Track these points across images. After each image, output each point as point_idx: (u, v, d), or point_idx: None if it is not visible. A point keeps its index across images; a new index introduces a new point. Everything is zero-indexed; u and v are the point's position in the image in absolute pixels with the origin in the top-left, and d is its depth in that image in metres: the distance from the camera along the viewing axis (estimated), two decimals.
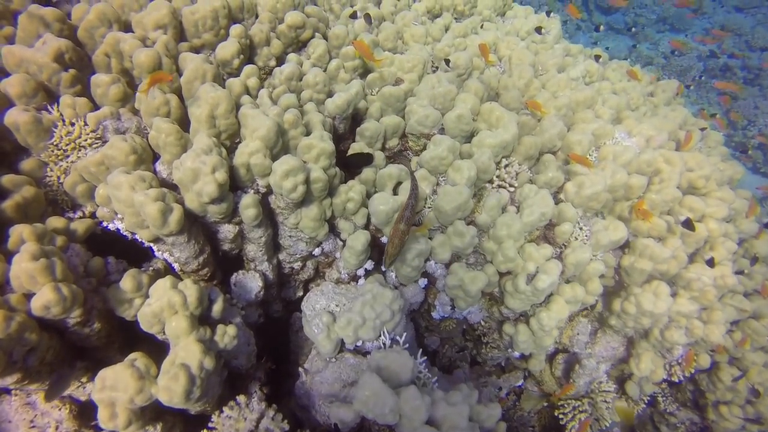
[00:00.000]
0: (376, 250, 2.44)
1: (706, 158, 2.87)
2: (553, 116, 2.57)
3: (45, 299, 1.50)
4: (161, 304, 1.61)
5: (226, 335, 1.77)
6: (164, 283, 1.64)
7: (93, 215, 2.00)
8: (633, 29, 9.37)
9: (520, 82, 2.74)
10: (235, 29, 2.28)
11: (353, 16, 2.98)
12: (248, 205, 1.93)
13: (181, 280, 1.96)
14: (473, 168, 2.28)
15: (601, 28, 7.02)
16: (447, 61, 2.71)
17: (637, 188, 2.55)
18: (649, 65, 9.81)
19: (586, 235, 2.44)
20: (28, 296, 1.55)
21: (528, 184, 2.41)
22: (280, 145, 1.98)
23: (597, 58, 3.28)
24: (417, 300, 2.44)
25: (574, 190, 2.43)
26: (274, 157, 1.98)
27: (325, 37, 2.80)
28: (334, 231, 2.33)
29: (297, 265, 2.37)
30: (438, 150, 2.30)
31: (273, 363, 2.66)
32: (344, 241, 2.31)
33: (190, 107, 1.96)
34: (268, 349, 2.42)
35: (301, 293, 2.55)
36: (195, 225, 1.90)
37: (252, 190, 2.01)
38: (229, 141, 2.01)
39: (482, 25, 3.48)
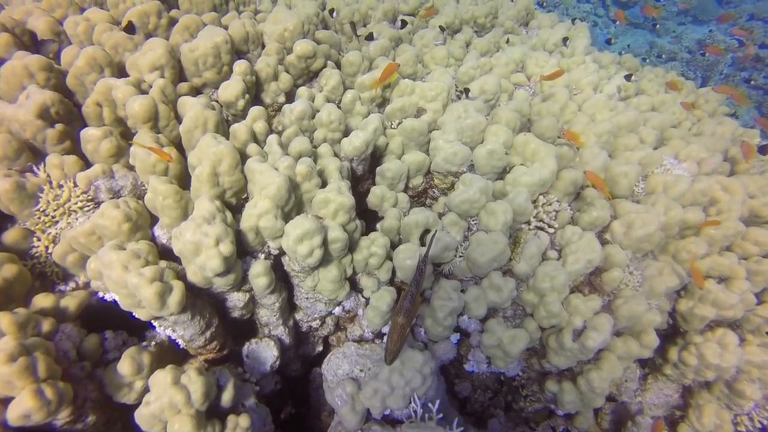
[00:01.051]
0: None
1: (767, 180, 2.54)
2: (594, 146, 2.28)
3: (23, 407, 1.28)
4: (161, 404, 1.38)
5: (238, 428, 1.52)
6: (165, 379, 1.40)
7: (87, 285, 1.77)
8: (657, 26, 8.91)
9: (554, 107, 2.45)
10: (239, 66, 2.03)
11: (369, 38, 2.71)
12: (259, 274, 1.68)
13: (187, 360, 1.72)
14: (509, 211, 2.01)
15: (612, 40, 6.63)
16: (466, 91, 2.44)
17: (694, 223, 2.24)
18: (672, 60, 9.36)
19: (637, 281, 2.15)
20: (6, 401, 1.33)
21: (570, 226, 2.12)
22: (292, 202, 1.73)
23: (628, 77, 2.96)
24: (449, 357, 2.18)
25: (622, 231, 2.14)
26: (287, 216, 1.73)
27: (338, 64, 2.54)
28: (355, 287, 2.08)
29: (315, 324, 2.12)
30: (469, 193, 2.03)
31: (292, 408, 2.43)
32: (367, 299, 2.05)
33: (190, 159, 1.72)
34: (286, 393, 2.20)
35: (320, 348, 2.31)
36: (200, 298, 1.66)
37: (263, 255, 1.77)
38: (236, 198, 1.76)
39: (507, 39, 3.18)
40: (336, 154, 2.16)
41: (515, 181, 2.12)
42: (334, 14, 2.97)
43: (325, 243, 1.73)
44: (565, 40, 3.39)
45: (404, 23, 2.89)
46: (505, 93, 2.63)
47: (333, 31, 3.02)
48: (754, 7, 9.93)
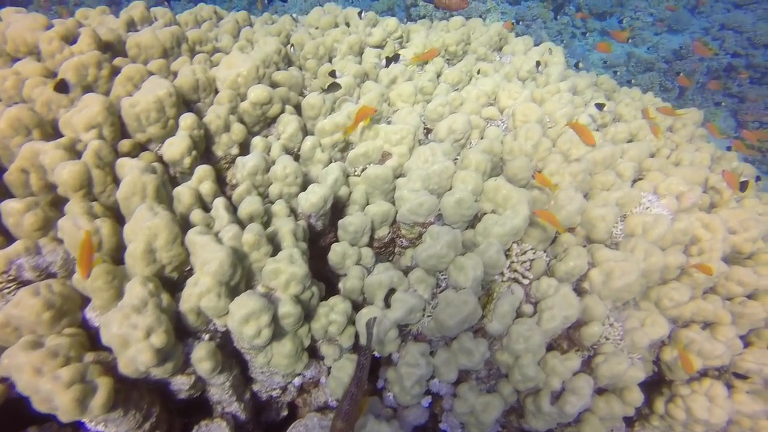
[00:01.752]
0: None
1: (751, 215, 2.41)
2: (569, 188, 2.12)
3: None
4: None
5: None
6: None
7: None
8: (630, 41, 8.86)
9: (527, 145, 2.30)
10: (185, 120, 1.86)
11: (332, 74, 2.55)
12: (202, 358, 1.50)
13: None
14: (479, 266, 1.85)
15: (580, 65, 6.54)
16: (426, 131, 2.29)
17: (674, 267, 2.10)
18: (649, 71, 9.33)
19: (618, 334, 1.99)
20: None
21: (546, 278, 1.97)
22: (239, 275, 1.55)
23: (600, 106, 2.82)
24: (420, 422, 2.00)
25: (600, 280, 1.98)
26: (233, 291, 1.55)
27: (298, 106, 2.37)
28: (317, 353, 1.90)
29: (276, 393, 1.94)
30: (436, 248, 1.86)
31: None
32: (329, 367, 1.87)
33: (126, 232, 1.54)
34: None
35: (285, 413, 2.12)
36: (135, 389, 1.48)
37: (207, 335, 1.58)
38: (177, 272, 1.58)
39: (478, 71, 3.04)
40: (294, 210, 1.99)
41: (486, 231, 1.96)
42: (293, 49, 2.81)
43: (276, 318, 1.56)
44: (537, 64, 3.26)
45: (390, 60, 2.72)
46: (476, 129, 2.48)
47: (297, 66, 2.86)
48: (724, 17, 9.94)
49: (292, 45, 2.83)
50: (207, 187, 1.76)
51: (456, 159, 2.37)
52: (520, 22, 8.28)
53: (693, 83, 8.90)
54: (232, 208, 1.84)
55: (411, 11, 8.49)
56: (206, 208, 1.80)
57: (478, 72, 3.02)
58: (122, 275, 1.50)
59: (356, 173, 2.21)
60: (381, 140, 2.21)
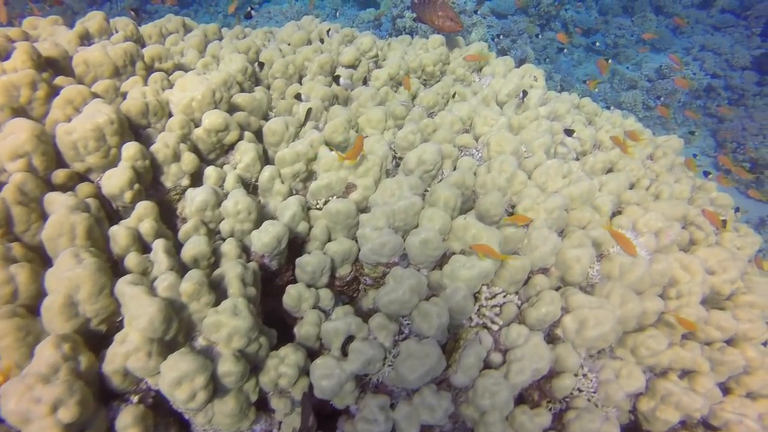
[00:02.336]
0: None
1: (729, 255, 2.30)
2: (543, 228, 1.99)
3: None
4: None
5: None
6: None
7: None
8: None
9: (501, 179, 2.16)
10: (128, 150, 1.69)
11: (298, 97, 2.40)
12: (128, 425, 1.32)
13: None
14: (444, 314, 1.71)
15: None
16: (396, 160, 2.15)
17: (652, 313, 1.97)
18: (633, 89, 9.33)
19: (592, 386, 1.86)
20: None
21: (516, 326, 1.83)
22: (174, 329, 1.38)
23: (569, 132, 2.70)
24: None
25: (574, 328, 1.85)
26: (169, 346, 1.38)
27: (260, 131, 2.22)
28: (267, 406, 1.73)
29: None
30: (398, 293, 1.72)
31: None
32: (280, 422, 1.71)
33: (47, 281, 1.37)
34: None
35: None
36: None
37: (136, 396, 1.41)
38: (106, 325, 1.41)
39: (454, 94, 2.91)
40: (247, 248, 1.82)
41: (453, 274, 1.81)
42: (259, 69, 2.65)
43: (215, 376, 1.39)
44: (524, 93, 3.14)
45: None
46: (449, 159, 2.34)
47: (266, 85, 2.70)
48: (704, 38, 10.01)
49: (261, 64, 2.67)
50: (147, 227, 1.59)
51: (426, 191, 2.23)
52: (499, 37, 8.20)
53: (670, 113, 8.89)
54: (179, 245, 1.68)
55: (397, 22, 8.38)
56: (148, 248, 1.63)
57: (454, 95, 2.89)
58: (38, 331, 1.32)
59: (318, 206, 2.06)
60: (345, 171, 2.05)
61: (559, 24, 10.72)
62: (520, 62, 8.07)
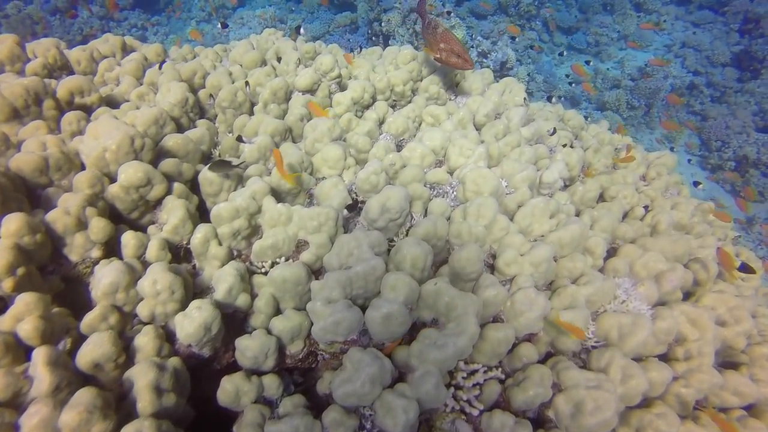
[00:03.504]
0: None
1: (740, 301, 2.00)
2: (529, 289, 1.66)
3: None
4: None
5: None
6: None
7: None
8: (590, 63, 8.55)
9: (478, 227, 1.83)
10: (8, 225, 1.33)
11: (239, 139, 2.04)
12: None
13: None
14: (412, 408, 1.38)
15: (564, 53, 6.23)
16: (360, 205, 1.81)
17: (659, 385, 1.66)
18: (616, 87, 9.07)
19: None
20: None
21: (500, 414, 1.50)
22: None
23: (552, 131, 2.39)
24: None
25: (569, 412, 1.53)
26: None
27: (195, 178, 1.86)
28: None
29: None
30: (356, 385, 1.38)
31: None
32: None
33: None
34: None
35: None
36: None
37: None
38: None
39: (420, 124, 2.57)
40: (172, 334, 1.47)
41: (422, 355, 1.48)
42: (211, 100, 2.29)
43: None
44: (525, 100, 2.83)
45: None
46: (419, 200, 2.00)
47: (213, 115, 2.34)
48: (684, 35, 9.78)
49: (211, 96, 2.30)
50: (28, 328, 1.22)
51: (393, 241, 1.90)
52: (488, 38, 7.87)
53: (675, 122, 8.62)
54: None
55: (374, 26, 8.01)
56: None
57: (420, 125, 2.55)
58: None
59: (263, 270, 1.71)
60: (295, 226, 1.71)
61: (540, 23, 10.43)
62: (501, 65, 7.76)
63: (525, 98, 2.90)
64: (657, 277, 2.00)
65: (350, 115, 2.40)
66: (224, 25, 5.18)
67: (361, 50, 3.70)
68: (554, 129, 2.80)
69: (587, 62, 5.96)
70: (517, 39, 8.92)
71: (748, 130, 7.85)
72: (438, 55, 2.27)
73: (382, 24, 7.75)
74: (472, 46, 7.74)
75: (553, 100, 5.08)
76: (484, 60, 7.65)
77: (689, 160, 6.92)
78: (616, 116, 8.49)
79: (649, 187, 2.79)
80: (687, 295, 2.14)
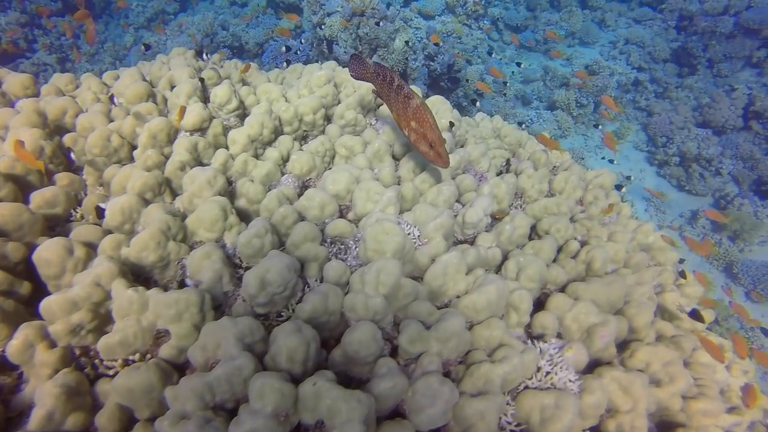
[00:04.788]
0: None
1: (676, 355, 1.78)
2: (432, 376, 1.38)
3: None
4: None
5: None
6: None
7: None
8: (522, 65, 8.41)
9: (376, 298, 1.53)
10: None
11: (99, 211, 1.69)
12: None
13: None
14: None
15: (523, 64, 6.03)
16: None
17: None
18: (564, 86, 8.97)
19: None
20: None
21: None
22: None
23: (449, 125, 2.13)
24: None
25: None
26: None
27: None
28: None
29: None
30: None
31: None
32: None
33: None
34: None
35: None
36: None
37: None
38: None
39: (333, 158, 2.26)
40: None
41: None
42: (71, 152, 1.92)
43: None
44: (451, 125, 2.56)
45: None
46: (314, 262, 1.68)
47: (72, 173, 1.96)
48: (627, 32, 9.78)
49: (69, 149, 1.93)
50: None
51: (282, 317, 1.58)
52: (424, 41, 7.59)
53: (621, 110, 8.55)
54: None
55: (317, 31, 7.62)
56: None
57: (334, 159, 2.24)
58: None
59: (113, 371, 1.36)
60: (152, 314, 1.37)
61: (488, 22, 10.25)
62: (448, 67, 7.51)
63: (452, 121, 2.62)
64: (589, 332, 1.76)
65: (246, 156, 2.06)
66: (147, 47, 4.73)
67: (287, 65, 3.37)
68: (450, 123, 2.54)
69: (518, 64, 5.76)
70: (462, 39, 8.69)
71: (689, 125, 7.88)
72: (409, 136, 1.83)
73: (326, 29, 7.37)
74: (420, 48, 7.46)
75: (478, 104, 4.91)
76: (432, 63, 7.39)
77: (628, 178, 6.87)
78: (566, 116, 8.40)
79: (587, 210, 2.56)
80: (623, 344, 1.91)
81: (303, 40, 6.82)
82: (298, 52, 7.40)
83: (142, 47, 4.88)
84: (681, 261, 2.75)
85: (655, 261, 2.66)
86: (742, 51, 8.64)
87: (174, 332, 1.38)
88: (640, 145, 8.26)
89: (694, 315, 2.07)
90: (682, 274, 2.48)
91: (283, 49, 6.26)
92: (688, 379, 1.71)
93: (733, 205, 7.07)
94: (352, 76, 2.07)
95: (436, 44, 7.03)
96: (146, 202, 1.72)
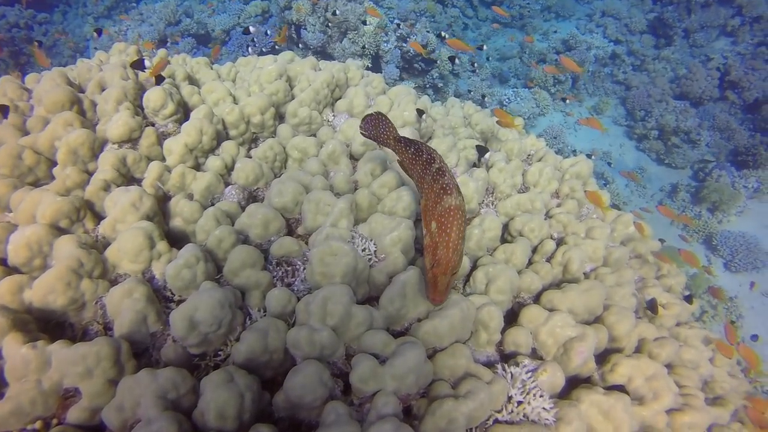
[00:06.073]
0: None
1: (659, 368, 1.62)
2: (385, 423, 1.20)
3: None
4: None
5: None
6: None
7: None
8: (483, 48, 8.12)
9: (322, 331, 1.33)
10: None
11: None
12: None
13: None
14: None
15: (484, 47, 5.76)
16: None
17: None
18: (542, 62, 8.74)
19: None
20: None
21: None
22: None
23: (420, 112, 1.93)
24: None
25: None
26: None
27: None
28: None
29: None
30: None
31: None
32: None
33: None
34: None
35: None
36: None
37: None
38: None
39: (285, 162, 2.04)
40: None
41: None
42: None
43: None
44: (420, 113, 2.36)
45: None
46: (256, 291, 1.48)
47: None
48: (603, 4, 9.53)
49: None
50: None
51: (219, 354, 1.38)
52: (405, 20, 7.27)
53: (585, 71, 8.36)
54: None
55: (285, 14, 7.24)
56: None
57: (286, 164, 2.02)
58: None
59: None
60: (56, 373, 1.16)
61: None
62: (425, 46, 7.21)
63: (420, 109, 2.40)
64: (566, 348, 1.59)
65: (184, 168, 1.83)
66: (99, 32, 4.37)
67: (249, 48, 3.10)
68: (419, 111, 2.35)
69: (480, 47, 5.50)
70: (436, 17, 8.36)
71: (667, 98, 7.74)
72: (423, 228, 1.39)
73: (293, 12, 7.01)
74: (391, 32, 7.15)
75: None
76: (404, 45, 7.09)
77: (605, 184, 6.72)
78: (543, 92, 8.18)
79: (562, 208, 2.38)
80: (603, 354, 1.76)
81: (269, 30, 6.43)
82: (268, 33, 6.97)
83: (94, 34, 4.52)
84: (661, 240, 2.61)
85: (635, 252, 2.51)
86: (717, 20, 8.47)
87: (85, 391, 1.17)
88: (619, 120, 8.12)
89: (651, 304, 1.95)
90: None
91: (249, 29, 5.83)
92: (673, 393, 1.56)
93: (712, 177, 6.99)
94: (362, 134, 1.64)
95: (420, 54, 6.69)
96: (61, 232, 1.49)
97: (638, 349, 1.85)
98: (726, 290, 5.51)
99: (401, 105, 2.44)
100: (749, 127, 7.58)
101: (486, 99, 7.58)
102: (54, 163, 1.80)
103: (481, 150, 2.41)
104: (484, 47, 5.91)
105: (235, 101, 2.26)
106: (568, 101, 7.48)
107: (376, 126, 1.60)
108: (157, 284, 1.48)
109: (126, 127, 1.80)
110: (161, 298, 1.46)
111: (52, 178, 1.77)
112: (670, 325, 2.07)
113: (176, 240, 1.67)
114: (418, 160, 1.46)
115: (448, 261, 1.26)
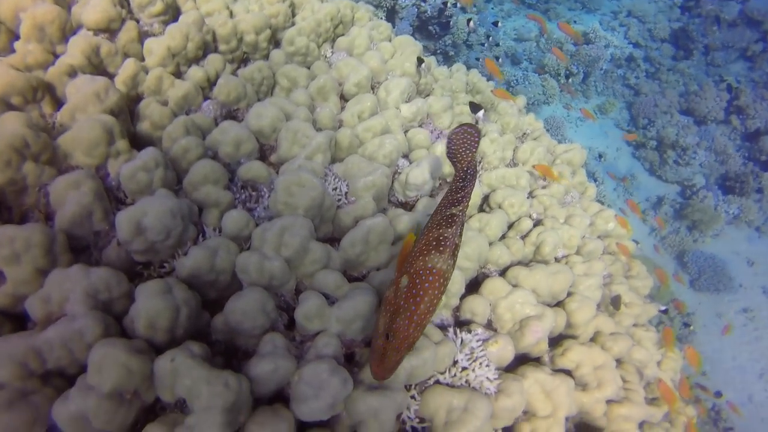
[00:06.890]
0: None
1: (608, 359, 1.61)
2: (322, 361, 1.15)
3: None
4: None
5: None
6: None
7: None
8: (470, 22, 7.83)
9: (274, 261, 1.27)
10: None
11: None
12: None
13: None
14: None
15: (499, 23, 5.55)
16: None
17: None
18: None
19: None
20: None
21: None
22: None
23: (475, 108, 1.86)
24: None
25: None
26: None
27: None
28: None
29: None
30: None
31: None
32: None
33: None
34: None
35: None
36: None
37: None
38: None
39: (272, 88, 1.92)
40: None
41: None
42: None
43: None
44: (419, 61, 2.25)
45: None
46: (215, 209, 1.40)
47: None
48: (632, 4, 9.27)
49: None
50: None
51: (165, 266, 1.31)
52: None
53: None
54: None
55: None
56: None
57: (274, 90, 1.90)
58: None
59: None
60: None
61: None
62: (439, 11, 6.94)
63: (420, 57, 2.29)
64: (521, 325, 1.57)
65: (163, 71, 1.70)
66: None
67: None
68: (419, 59, 2.25)
69: (495, 23, 5.31)
70: None
71: (673, 110, 7.67)
72: (392, 280, 1.12)
73: None
74: None
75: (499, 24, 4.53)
76: (422, 3, 6.81)
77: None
78: (553, 81, 8.02)
79: (547, 190, 2.32)
80: (557, 339, 1.74)
81: None
82: None
83: None
84: (636, 242, 2.60)
85: (610, 249, 2.49)
86: (740, 42, 8.33)
87: (10, 276, 1.09)
88: (621, 123, 8.03)
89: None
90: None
91: None
92: (617, 385, 1.56)
93: (698, 197, 7.02)
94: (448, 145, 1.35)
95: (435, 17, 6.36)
96: (11, 108, 1.37)
97: (592, 340, 1.84)
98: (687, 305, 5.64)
99: (404, 54, 2.31)
100: (744, 155, 7.59)
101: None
102: (17, 37, 1.65)
103: (475, 107, 2.31)
104: (499, 23, 5.67)
105: (231, 16, 2.11)
106: (571, 95, 7.36)
107: (464, 143, 1.31)
108: (110, 183, 1.38)
109: (104, 14, 1.65)
110: (113, 198, 1.36)
111: (11, 51, 1.62)
112: (628, 323, 2.06)
113: (141, 145, 1.55)
114: (454, 192, 1.22)
115: (405, 337, 0.99)
